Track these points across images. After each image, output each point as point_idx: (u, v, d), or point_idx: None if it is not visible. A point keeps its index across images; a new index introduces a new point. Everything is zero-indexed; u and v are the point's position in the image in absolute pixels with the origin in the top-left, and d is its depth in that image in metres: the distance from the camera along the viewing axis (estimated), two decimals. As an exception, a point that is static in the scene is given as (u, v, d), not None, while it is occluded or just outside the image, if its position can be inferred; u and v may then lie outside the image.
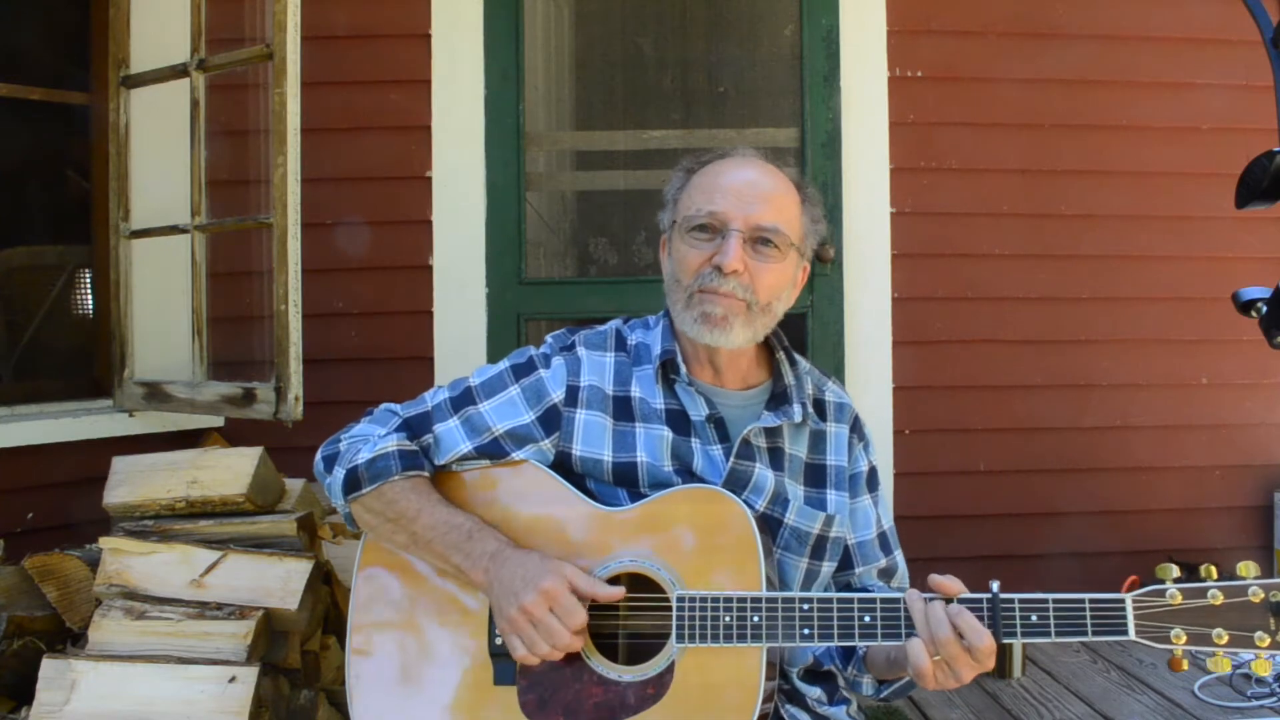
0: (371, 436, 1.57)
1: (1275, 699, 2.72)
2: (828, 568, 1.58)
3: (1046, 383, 3.64)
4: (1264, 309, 1.30)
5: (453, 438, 1.56)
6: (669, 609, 1.41)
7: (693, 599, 1.39)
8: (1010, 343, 3.64)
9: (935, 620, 1.31)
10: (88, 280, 3.46)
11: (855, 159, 3.59)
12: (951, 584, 1.34)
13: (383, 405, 1.65)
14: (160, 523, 2.32)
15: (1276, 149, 1.22)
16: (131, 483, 2.36)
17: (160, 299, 3.27)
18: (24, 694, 2.15)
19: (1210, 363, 3.65)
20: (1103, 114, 3.62)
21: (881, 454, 3.55)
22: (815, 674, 1.60)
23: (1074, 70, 3.61)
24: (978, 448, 3.64)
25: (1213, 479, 3.69)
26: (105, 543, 2.26)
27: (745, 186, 1.52)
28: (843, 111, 3.58)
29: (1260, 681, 2.79)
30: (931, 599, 1.33)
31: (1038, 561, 3.61)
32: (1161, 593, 1.30)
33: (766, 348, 1.65)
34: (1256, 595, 1.27)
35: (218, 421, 3.31)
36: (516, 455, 1.56)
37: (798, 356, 1.66)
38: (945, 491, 3.63)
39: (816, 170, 3.58)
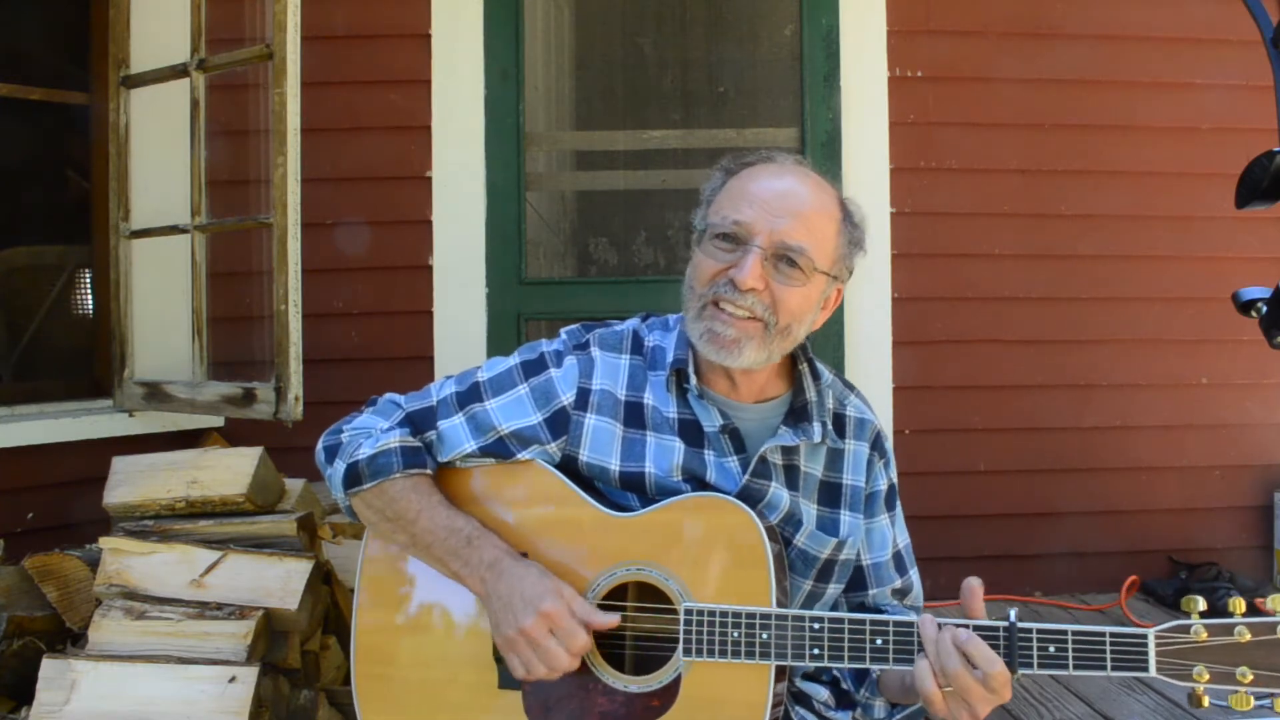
0: (374, 430, 1.54)
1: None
2: (834, 589, 1.55)
3: (1046, 383, 3.64)
4: (1264, 309, 1.30)
5: (457, 436, 1.52)
6: (676, 620, 1.38)
7: (700, 612, 1.36)
8: (1010, 343, 3.64)
9: (944, 651, 1.27)
10: (88, 280, 3.46)
11: (855, 159, 3.59)
12: (977, 603, 1.30)
13: (386, 396, 1.61)
14: (160, 523, 2.32)
15: (1276, 149, 1.22)
16: (131, 483, 2.36)
17: (160, 299, 3.27)
18: (24, 694, 2.15)
19: (1210, 363, 3.65)
20: (1103, 114, 3.62)
21: (882, 454, 3.57)
22: (819, 676, 1.59)
23: (1074, 70, 3.61)
24: (978, 448, 3.64)
25: (1213, 479, 3.69)
26: (105, 543, 2.26)
27: (777, 198, 1.43)
28: (843, 111, 3.58)
29: (1260, 681, 2.79)
30: (945, 626, 1.29)
31: (1038, 561, 3.61)
32: (1186, 629, 1.25)
33: (789, 357, 1.58)
34: None
35: (218, 421, 3.31)
36: (522, 455, 1.52)
37: (821, 368, 1.59)
38: (945, 491, 3.63)
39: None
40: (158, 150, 3.25)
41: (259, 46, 2.84)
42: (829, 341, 3.57)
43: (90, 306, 3.45)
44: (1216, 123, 3.60)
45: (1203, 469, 3.69)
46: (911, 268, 3.60)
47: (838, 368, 3.53)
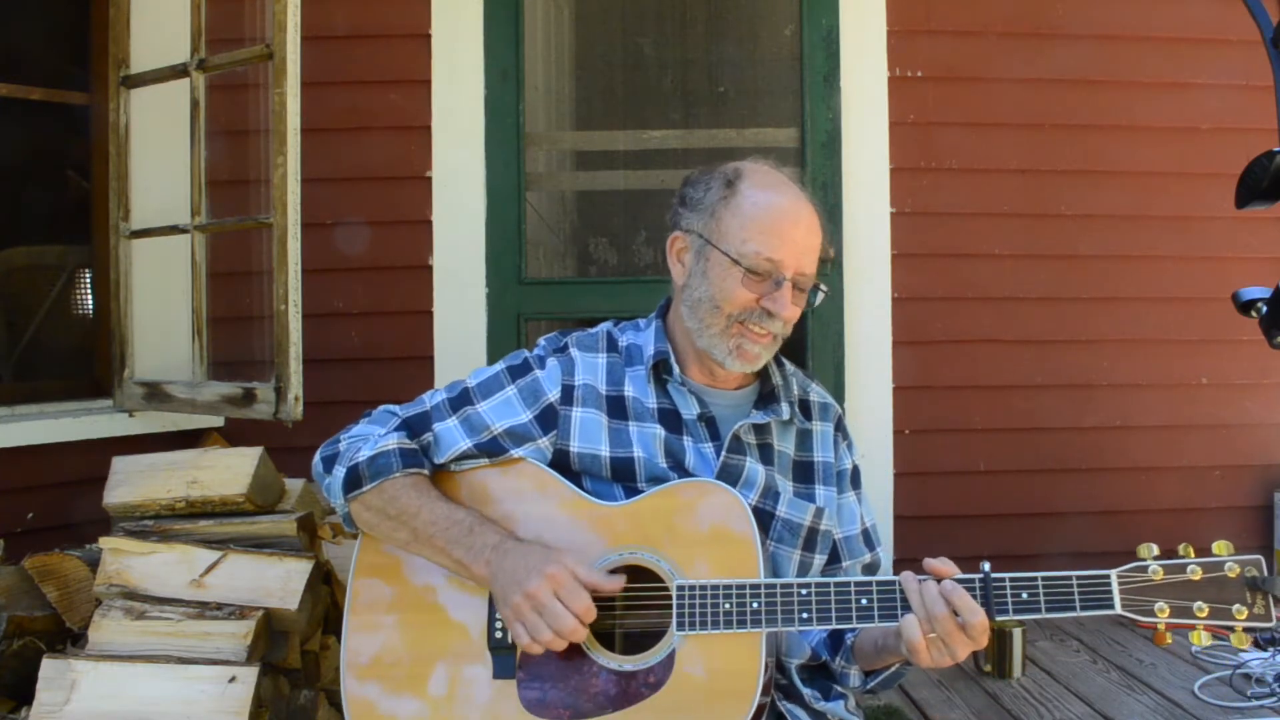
0: (371, 436, 1.59)
1: (1275, 699, 2.72)
2: (819, 560, 1.62)
3: (1047, 383, 3.64)
4: (1264, 309, 1.31)
5: (452, 436, 1.58)
6: (668, 600, 1.43)
7: (692, 587, 1.42)
8: (1010, 343, 3.64)
9: (930, 598, 1.35)
10: (88, 280, 3.46)
11: (855, 159, 3.59)
12: (945, 566, 1.39)
13: (381, 406, 1.67)
14: (160, 523, 2.32)
15: (1276, 149, 1.22)
16: (131, 483, 2.36)
17: (160, 299, 3.27)
18: (24, 694, 2.15)
19: (1210, 363, 3.65)
20: (1103, 114, 3.62)
21: (881, 454, 3.58)
22: (812, 672, 1.62)
23: (1074, 70, 3.61)
24: (978, 448, 3.64)
25: (1213, 479, 3.69)
26: (105, 543, 2.26)
27: (802, 236, 1.55)
28: (843, 111, 3.58)
29: (1260, 681, 2.79)
30: (925, 579, 1.37)
31: (1038, 561, 3.59)
32: (1144, 569, 1.35)
33: None
34: (1233, 571, 1.33)
35: (218, 421, 3.31)
36: (515, 453, 1.58)
37: (783, 359, 1.70)
38: (945, 491, 3.63)
39: (816, 170, 3.58)
40: (158, 150, 3.25)
41: (259, 46, 2.84)
42: (828, 341, 3.57)
43: (90, 306, 3.45)
44: (1216, 123, 3.60)
45: (1203, 469, 3.68)
46: (911, 268, 3.60)
47: (837, 368, 3.55)
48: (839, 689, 1.62)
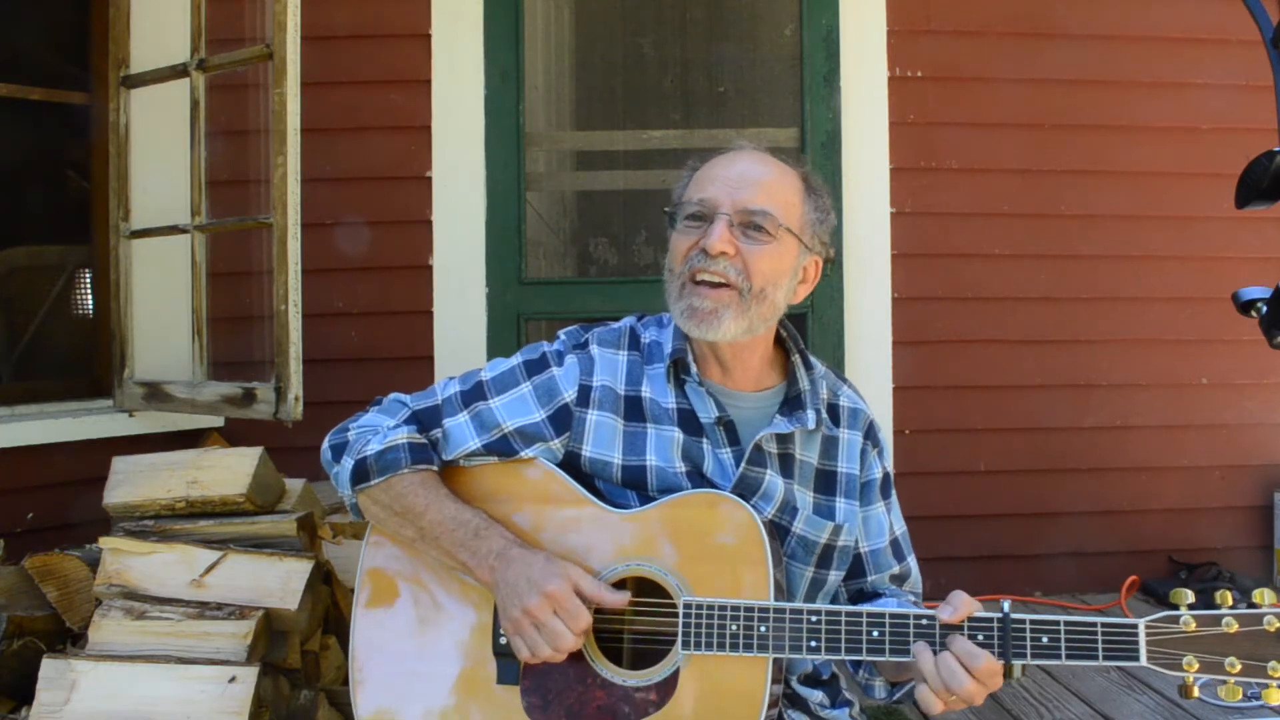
0: (380, 427, 1.56)
1: (1275, 699, 2.72)
2: (835, 576, 1.57)
3: (1047, 383, 3.64)
4: (1264, 309, 1.30)
5: (462, 434, 1.55)
6: (675, 614, 1.40)
7: (700, 606, 1.38)
8: (1010, 343, 3.64)
9: (948, 673, 1.30)
10: (88, 280, 3.46)
11: (855, 159, 3.59)
12: (960, 612, 1.32)
13: (391, 395, 1.63)
14: (160, 523, 2.32)
15: (1276, 149, 1.22)
16: (131, 483, 2.36)
17: (160, 299, 3.27)
18: (24, 694, 2.15)
19: (1210, 363, 3.66)
20: (1103, 114, 3.62)
21: (882, 454, 3.58)
22: (816, 679, 1.60)
23: (1074, 70, 3.61)
24: (978, 448, 3.64)
25: (1213, 479, 3.69)
26: (105, 543, 2.25)
27: (737, 175, 1.51)
28: (843, 111, 3.58)
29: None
30: (941, 651, 1.32)
31: (1038, 561, 3.61)
32: (1175, 619, 1.27)
33: (783, 350, 1.63)
34: (1271, 624, 1.25)
35: (218, 421, 3.31)
36: (526, 453, 1.54)
37: (814, 360, 1.62)
38: (946, 491, 3.63)
39: (816, 170, 3.58)
40: (158, 150, 3.25)
41: (259, 46, 2.84)
42: (829, 340, 3.57)
43: (90, 306, 3.45)
44: (1216, 123, 3.60)
45: (1203, 469, 3.69)
46: (911, 268, 3.60)
47: (838, 367, 3.54)
48: (845, 695, 1.60)
